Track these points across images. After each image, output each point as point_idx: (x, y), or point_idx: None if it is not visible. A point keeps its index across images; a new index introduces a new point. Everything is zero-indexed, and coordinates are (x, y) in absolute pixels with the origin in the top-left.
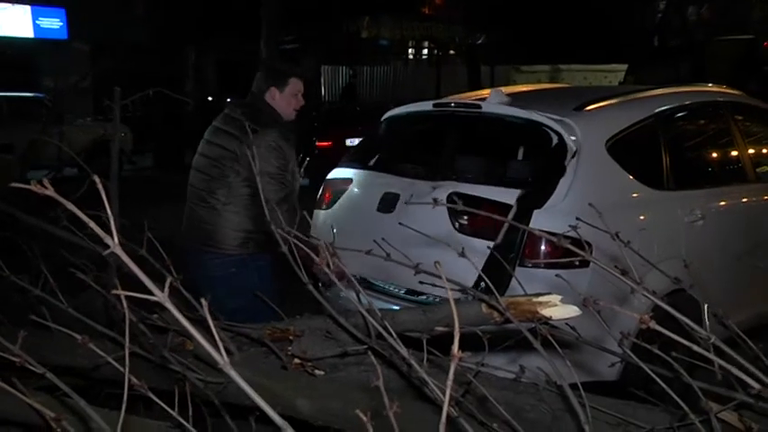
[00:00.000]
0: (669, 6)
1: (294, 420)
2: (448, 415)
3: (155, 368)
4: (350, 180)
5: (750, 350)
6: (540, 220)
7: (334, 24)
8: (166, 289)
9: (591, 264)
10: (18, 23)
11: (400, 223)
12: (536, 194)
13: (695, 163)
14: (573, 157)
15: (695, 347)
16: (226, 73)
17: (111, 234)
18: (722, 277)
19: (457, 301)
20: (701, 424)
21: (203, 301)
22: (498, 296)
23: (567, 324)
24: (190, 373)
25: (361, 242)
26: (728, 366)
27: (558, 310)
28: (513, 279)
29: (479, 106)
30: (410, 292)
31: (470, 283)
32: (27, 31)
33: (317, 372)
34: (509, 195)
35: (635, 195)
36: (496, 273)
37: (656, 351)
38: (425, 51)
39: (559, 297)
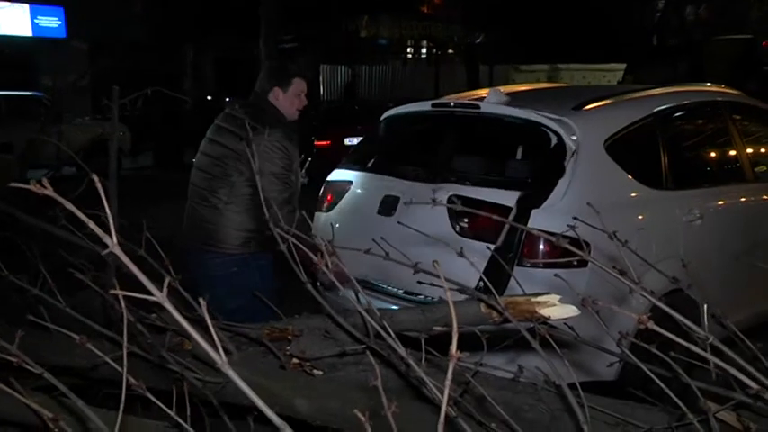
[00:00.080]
0: (668, 6)
1: (292, 420)
2: (446, 415)
3: (153, 368)
4: (350, 182)
5: (748, 350)
6: (539, 220)
7: (332, 23)
8: (165, 289)
9: (589, 263)
10: (16, 22)
11: (399, 222)
12: (535, 195)
13: (694, 162)
14: (572, 156)
15: (693, 347)
16: (224, 71)
17: (109, 234)
18: (720, 277)
19: (456, 300)
20: (699, 424)
21: (201, 301)
22: (497, 296)
23: (565, 324)
24: (188, 372)
25: (362, 245)
26: (727, 366)
27: (557, 309)
28: (512, 279)
29: (478, 106)
30: (411, 293)
31: (471, 286)
32: (25, 30)
33: (315, 371)
34: (509, 197)
35: (633, 195)
36: (495, 272)
37: (655, 351)
38: (424, 51)
39: (558, 297)
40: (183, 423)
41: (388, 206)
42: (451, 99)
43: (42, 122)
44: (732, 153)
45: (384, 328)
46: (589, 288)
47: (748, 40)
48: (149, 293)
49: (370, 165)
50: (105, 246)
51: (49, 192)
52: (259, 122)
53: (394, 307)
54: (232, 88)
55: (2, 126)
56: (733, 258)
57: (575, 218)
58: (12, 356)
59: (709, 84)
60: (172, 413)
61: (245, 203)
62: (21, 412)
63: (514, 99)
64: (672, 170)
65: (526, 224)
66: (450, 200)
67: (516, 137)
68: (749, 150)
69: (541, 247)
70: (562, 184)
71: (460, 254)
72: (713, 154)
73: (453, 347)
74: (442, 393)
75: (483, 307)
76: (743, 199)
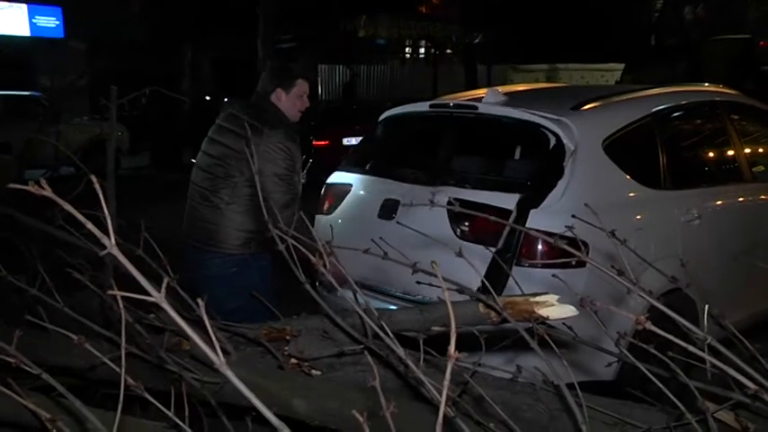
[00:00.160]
0: (666, 6)
1: (290, 420)
2: (445, 415)
3: (151, 368)
4: (350, 185)
5: (746, 350)
6: (537, 220)
7: (331, 23)
8: (163, 289)
9: (588, 263)
10: (14, 22)
11: (398, 222)
12: (535, 197)
13: (692, 162)
14: (570, 157)
15: (691, 348)
16: (222, 71)
17: (107, 234)
18: (719, 277)
19: (454, 301)
20: (697, 424)
21: (200, 302)
22: (495, 296)
23: (563, 324)
24: (186, 373)
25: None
26: (725, 366)
27: (555, 309)
28: (511, 279)
29: (476, 107)
30: (412, 297)
31: (472, 289)
32: (23, 30)
33: (313, 372)
34: (508, 200)
35: (632, 195)
36: (494, 273)
37: (653, 351)
38: (422, 50)
39: (556, 297)
40: (181, 424)
41: (389, 210)
42: (449, 99)
43: (40, 122)
44: (730, 153)
45: (382, 328)
46: (587, 288)
47: (746, 40)
48: (147, 294)
49: (369, 167)
50: (103, 246)
51: (47, 192)
52: (261, 123)
53: (393, 307)
54: (230, 88)
55: (0, 126)
56: (731, 258)
57: (573, 217)
58: (10, 357)
59: (707, 84)
60: (170, 414)
61: (247, 204)
62: (18, 413)
63: (512, 99)
64: (670, 170)
65: (524, 224)
66: (449, 203)
67: (515, 138)
68: (747, 150)
69: (540, 247)
70: (561, 184)
71: (459, 254)
72: (711, 154)
73: (452, 348)
74: (441, 393)
75: (481, 307)
76: (741, 199)
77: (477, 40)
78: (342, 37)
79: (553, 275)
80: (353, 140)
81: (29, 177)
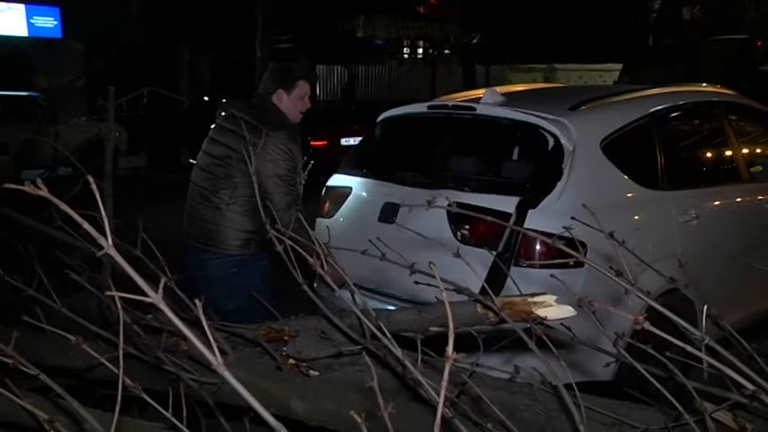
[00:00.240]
0: (664, 6)
1: (288, 421)
2: (442, 415)
3: (149, 369)
4: (350, 188)
5: (744, 350)
6: (535, 221)
7: (329, 23)
8: (160, 290)
9: (586, 264)
10: (12, 22)
11: (398, 224)
12: (534, 199)
13: (690, 163)
14: (569, 158)
15: (688, 348)
16: (221, 72)
17: (105, 234)
18: (717, 277)
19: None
20: (695, 424)
21: (197, 302)
22: (493, 296)
23: (561, 324)
24: (184, 373)
25: (368, 255)
26: (723, 367)
27: (554, 310)
28: (509, 279)
29: (474, 108)
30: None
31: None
32: (21, 30)
33: (311, 372)
34: (508, 203)
35: (629, 195)
36: (492, 273)
37: (651, 351)
38: (420, 51)
39: (554, 297)
40: (178, 424)
41: (389, 213)
42: (447, 100)
43: (38, 123)
44: (728, 153)
45: (380, 328)
46: (585, 288)
47: (744, 41)
48: (145, 295)
49: (368, 170)
50: (101, 246)
51: (44, 192)
52: (263, 124)
53: (391, 307)
54: (229, 89)
55: None
56: (729, 259)
57: (572, 218)
58: (7, 357)
59: (705, 84)
60: (168, 414)
61: (247, 204)
62: (16, 414)
63: (510, 99)
64: (668, 170)
65: (522, 225)
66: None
67: (513, 139)
68: (745, 150)
69: (538, 247)
70: (559, 185)
71: (456, 254)
72: (709, 154)
73: (450, 348)
74: (439, 394)
75: (479, 307)
76: (739, 199)
77: (475, 41)
78: (340, 37)
79: (551, 276)
80: (352, 141)
81: (26, 178)
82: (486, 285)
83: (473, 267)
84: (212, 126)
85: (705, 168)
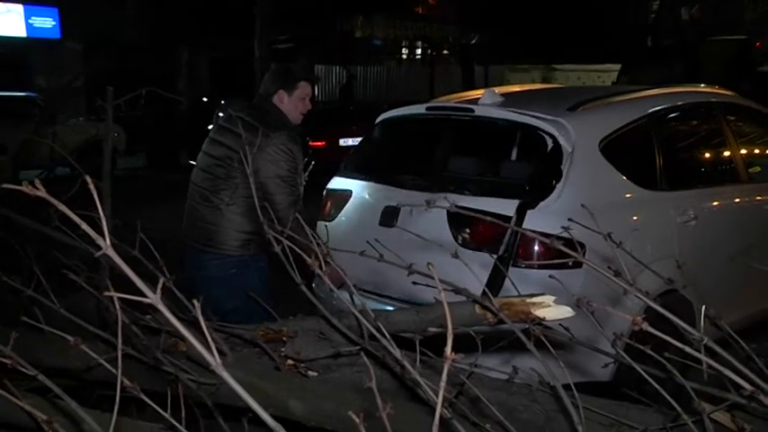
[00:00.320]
0: (662, 7)
1: (287, 421)
2: (441, 416)
3: (147, 370)
4: (350, 191)
5: (743, 351)
6: (534, 221)
7: (327, 24)
8: (159, 291)
9: (584, 264)
10: (10, 23)
11: (397, 226)
12: (533, 201)
13: (688, 163)
14: (567, 159)
15: (687, 349)
16: (219, 72)
17: (103, 235)
18: (715, 277)
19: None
20: (693, 424)
21: (195, 302)
22: (492, 297)
23: (560, 325)
24: (182, 374)
25: (366, 257)
26: (721, 367)
27: (552, 310)
28: (507, 280)
29: (472, 110)
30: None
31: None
32: (19, 31)
33: (310, 373)
34: (508, 206)
35: (628, 196)
36: (491, 274)
37: (649, 352)
38: (419, 51)
39: (553, 298)
40: (177, 425)
41: (390, 217)
42: (446, 101)
43: (37, 123)
44: (726, 154)
45: (379, 329)
46: (584, 289)
47: (742, 41)
48: (143, 295)
49: (368, 172)
50: (99, 247)
51: (42, 193)
52: (263, 125)
53: (389, 308)
54: (227, 89)
55: None
56: (727, 259)
57: (570, 219)
58: (6, 358)
59: (703, 85)
60: (166, 415)
61: (247, 205)
62: (15, 414)
63: (509, 100)
64: (666, 171)
65: (521, 225)
66: (448, 210)
67: (512, 140)
68: (743, 151)
69: (536, 247)
70: (558, 185)
71: (454, 255)
72: (708, 155)
73: (448, 349)
74: (437, 395)
75: (478, 308)
76: (737, 200)
77: (473, 41)
78: (338, 38)
79: (550, 276)
80: (350, 141)
81: (24, 178)
82: (486, 288)
83: (474, 271)
84: (212, 126)
85: (703, 169)
